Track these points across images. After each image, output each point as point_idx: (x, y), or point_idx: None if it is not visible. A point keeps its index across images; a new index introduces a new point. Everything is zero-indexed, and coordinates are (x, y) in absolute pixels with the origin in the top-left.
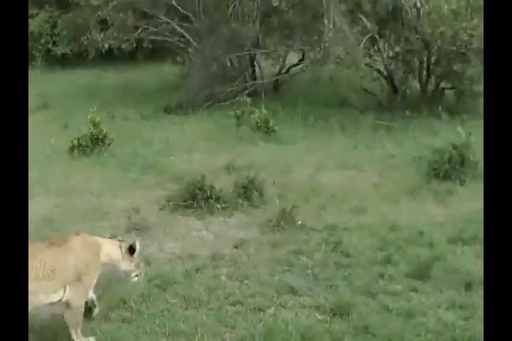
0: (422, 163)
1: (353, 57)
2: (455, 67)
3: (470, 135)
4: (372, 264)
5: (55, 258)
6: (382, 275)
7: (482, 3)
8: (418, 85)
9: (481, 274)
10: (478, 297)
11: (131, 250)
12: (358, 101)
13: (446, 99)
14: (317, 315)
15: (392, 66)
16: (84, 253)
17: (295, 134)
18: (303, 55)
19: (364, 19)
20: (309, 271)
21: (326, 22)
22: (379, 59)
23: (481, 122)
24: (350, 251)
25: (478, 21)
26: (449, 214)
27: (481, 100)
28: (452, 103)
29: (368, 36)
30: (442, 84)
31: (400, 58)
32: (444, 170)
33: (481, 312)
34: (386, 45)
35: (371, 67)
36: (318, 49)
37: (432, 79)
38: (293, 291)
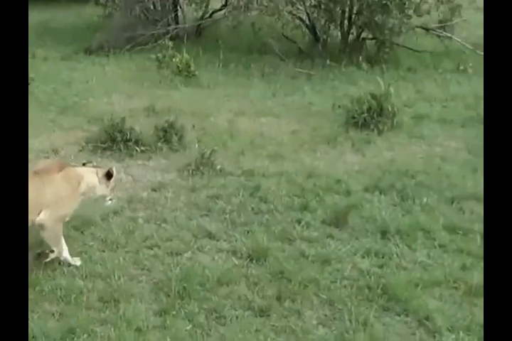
0: (341, 112)
1: (276, 5)
2: (376, 18)
3: (389, 85)
4: (290, 210)
5: (35, 186)
6: (299, 222)
7: None
8: (339, 34)
9: (397, 222)
10: (393, 245)
11: (108, 175)
12: (279, 49)
13: (367, 50)
14: (234, 259)
15: (315, 15)
16: (65, 185)
17: (215, 79)
18: (226, 1)
19: None
20: (227, 216)
21: None
22: (301, 7)
23: (400, 72)
24: (267, 197)
25: None
26: (366, 163)
27: (401, 51)
28: (372, 53)
29: None
30: (363, 35)
31: (323, 7)
32: (363, 119)
33: (396, 259)
34: None
35: (293, 15)
36: None
37: (354, 29)
38: (210, 236)
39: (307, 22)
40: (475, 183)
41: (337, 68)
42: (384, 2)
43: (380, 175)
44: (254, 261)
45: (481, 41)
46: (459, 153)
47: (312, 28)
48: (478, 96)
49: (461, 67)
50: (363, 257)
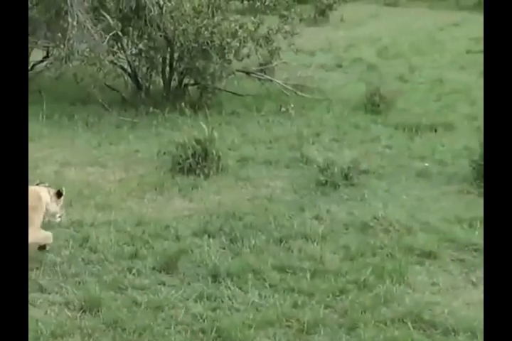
0: (167, 158)
1: (97, 55)
2: (197, 64)
3: (213, 130)
4: (120, 259)
5: None
6: (130, 270)
7: (222, 2)
8: (162, 81)
9: (227, 265)
10: (224, 288)
11: (59, 194)
12: (103, 98)
13: (190, 95)
14: (67, 311)
15: (136, 63)
16: (31, 200)
17: (40, 131)
18: (47, 53)
19: (108, 17)
20: (58, 268)
21: (69, 19)
22: (123, 56)
23: (224, 116)
24: (97, 246)
25: (218, 19)
26: (194, 207)
27: (223, 95)
28: (195, 99)
29: (111, 34)
30: (185, 81)
31: (144, 55)
32: (188, 164)
33: (228, 302)
34: (130, 42)
35: (115, 64)
36: (62, 46)
37: (175, 75)
38: (42, 289)
39: (129, 70)
40: (302, 222)
41: (161, 115)
42: (204, 47)
43: (208, 219)
44: (87, 312)
45: (301, 82)
46: (284, 193)
47: (134, 77)
48: (300, 137)
49: (283, 109)
50: (196, 301)
